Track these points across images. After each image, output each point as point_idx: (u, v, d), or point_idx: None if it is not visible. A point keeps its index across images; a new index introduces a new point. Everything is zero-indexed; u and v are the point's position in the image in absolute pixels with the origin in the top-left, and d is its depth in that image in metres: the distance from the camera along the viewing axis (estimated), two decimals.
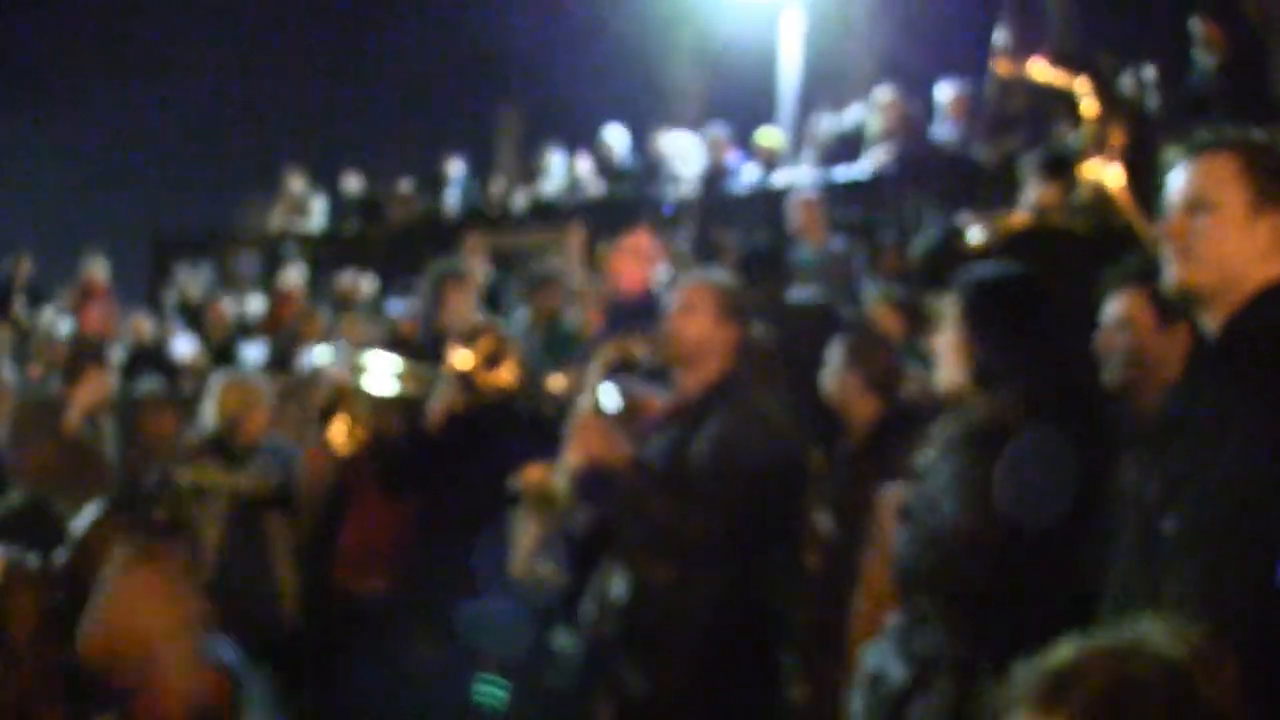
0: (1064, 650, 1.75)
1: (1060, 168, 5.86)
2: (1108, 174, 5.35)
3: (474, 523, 5.47)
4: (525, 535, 4.72)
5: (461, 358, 5.88)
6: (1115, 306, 3.68)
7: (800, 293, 7.43)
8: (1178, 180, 2.87)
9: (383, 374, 6.23)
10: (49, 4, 18.47)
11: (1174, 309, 3.49)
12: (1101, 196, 5.34)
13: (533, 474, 4.65)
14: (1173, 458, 2.76)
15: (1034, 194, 5.91)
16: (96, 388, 6.99)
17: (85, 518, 3.51)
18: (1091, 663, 1.71)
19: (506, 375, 5.81)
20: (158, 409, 7.23)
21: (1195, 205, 2.81)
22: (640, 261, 7.04)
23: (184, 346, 9.37)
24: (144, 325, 11.08)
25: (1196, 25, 9.31)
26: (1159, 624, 1.77)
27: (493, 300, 8.93)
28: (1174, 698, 1.67)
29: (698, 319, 4.58)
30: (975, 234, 5.61)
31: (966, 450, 3.38)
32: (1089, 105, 5.59)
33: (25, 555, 3.45)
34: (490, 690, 3.90)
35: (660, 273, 7.12)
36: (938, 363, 3.65)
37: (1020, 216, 5.80)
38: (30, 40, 18.27)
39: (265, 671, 3.41)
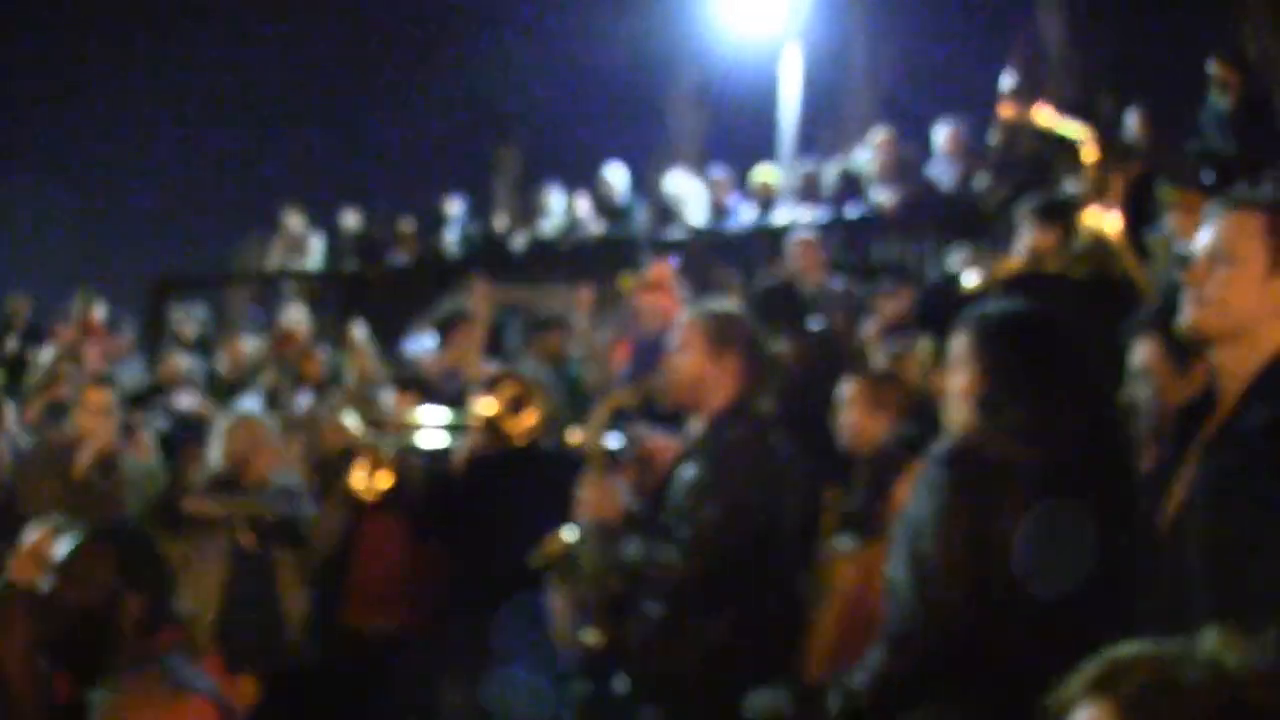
0: (1123, 647, 1.76)
1: (1056, 213, 5.89)
2: (1106, 221, 5.40)
3: (499, 568, 5.49)
4: (560, 604, 4.73)
5: (485, 404, 5.91)
6: (1136, 356, 3.71)
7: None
8: (1207, 231, 2.98)
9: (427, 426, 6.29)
10: (49, 41, 18.52)
11: (1187, 353, 3.54)
12: (1100, 244, 5.38)
13: (552, 545, 4.69)
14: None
15: (1029, 239, 5.93)
16: (106, 431, 6.99)
17: (67, 544, 3.48)
18: (1147, 659, 1.72)
19: (530, 420, 5.83)
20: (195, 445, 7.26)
21: (1218, 256, 2.92)
22: (664, 295, 7.06)
23: (187, 400, 9.34)
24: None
25: (1214, 67, 9.38)
26: (1219, 634, 1.79)
27: (496, 344, 8.94)
28: (1223, 701, 1.67)
29: (691, 355, 4.57)
30: (971, 278, 5.64)
31: (945, 479, 3.32)
32: (1089, 152, 5.63)
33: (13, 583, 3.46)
34: None
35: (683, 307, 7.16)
36: (949, 405, 3.61)
37: (1016, 261, 5.83)
38: (29, 79, 18.33)
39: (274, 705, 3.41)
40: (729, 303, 5.18)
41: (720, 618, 4.32)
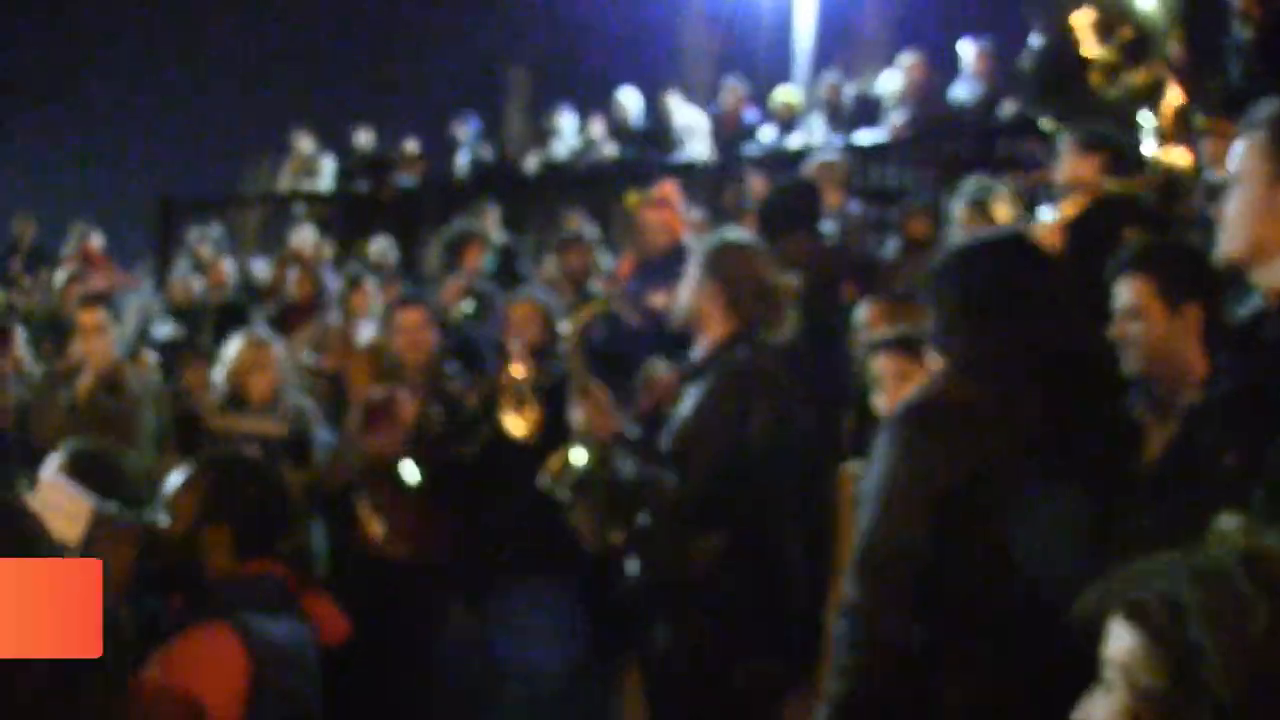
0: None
1: (1098, 142, 5.74)
2: (1177, 156, 5.24)
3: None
4: (580, 515, 4.68)
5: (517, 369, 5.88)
6: (1123, 294, 3.56)
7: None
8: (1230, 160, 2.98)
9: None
10: None
11: (1182, 291, 3.43)
12: (1173, 179, 5.21)
13: (552, 463, 4.65)
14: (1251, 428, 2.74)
15: (1069, 167, 5.83)
16: (104, 350, 6.92)
17: (175, 480, 3.47)
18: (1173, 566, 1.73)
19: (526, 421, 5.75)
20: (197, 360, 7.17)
21: (1234, 181, 2.93)
22: (669, 214, 7.08)
23: (164, 330, 9.31)
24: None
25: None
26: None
27: (509, 265, 8.85)
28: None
29: (693, 285, 4.64)
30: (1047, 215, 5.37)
31: (897, 434, 3.27)
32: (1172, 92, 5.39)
33: (115, 509, 3.39)
34: None
35: (689, 225, 7.15)
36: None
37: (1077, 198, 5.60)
38: (37, 6, 18.18)
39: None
40: (739, 233, 5.16)
41: (716, 536, 4.34)
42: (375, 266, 10.40)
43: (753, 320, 4.58)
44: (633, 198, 8.33)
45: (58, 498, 3.36)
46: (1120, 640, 1.73)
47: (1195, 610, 1.66)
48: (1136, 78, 4.79)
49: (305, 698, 3.35)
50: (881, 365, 4.45)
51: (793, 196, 6.95)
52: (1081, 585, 1.83)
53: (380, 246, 11.12)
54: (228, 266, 11.36)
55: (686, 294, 4.67)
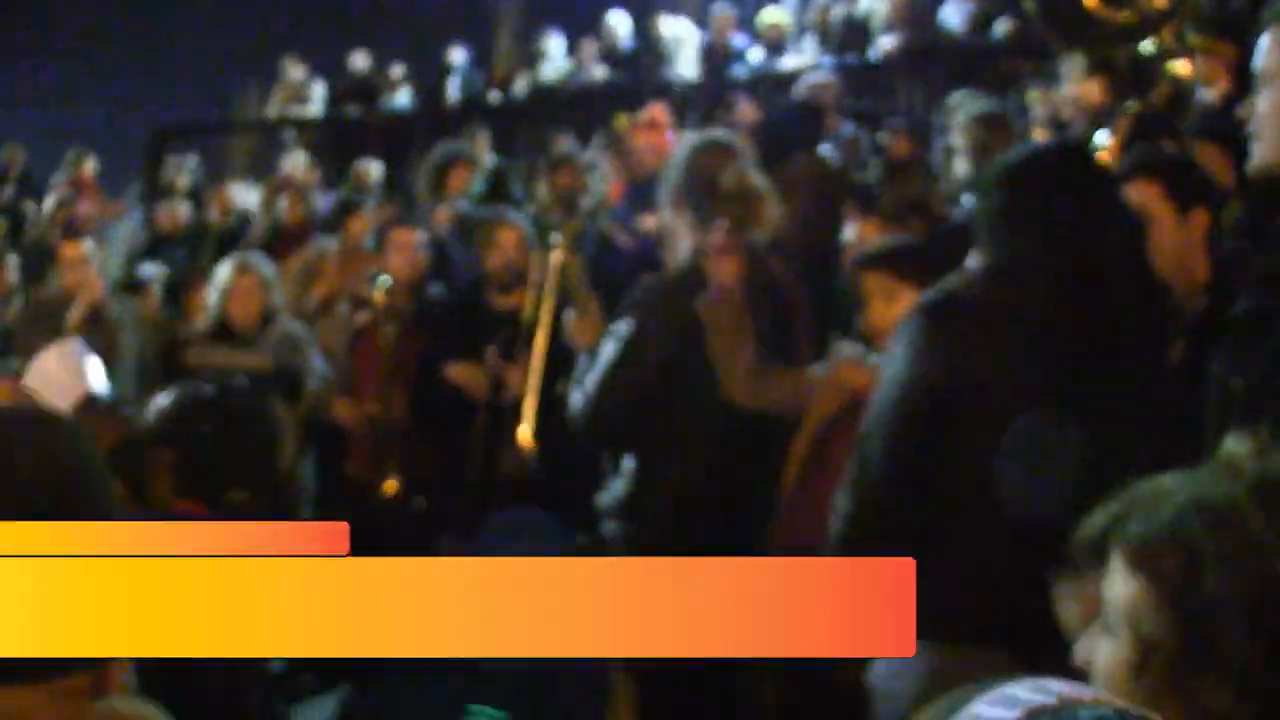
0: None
1: (1104, 63, 5.73)
2: (1180, 68, 5.20)
3: None
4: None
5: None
6: (1132, 198, 3.49)
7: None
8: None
9: None
10: None
11: (1190, 196, 3.41)
12: (1178, 91, 5.19)
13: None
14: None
15: (1077, 87, 5.84)
16: (91, 286, 6.91)
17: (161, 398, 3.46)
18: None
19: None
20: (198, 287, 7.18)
21: (1262, 81, 2.67)
22: (658, 135, 7.09)
23: (148, 270, 9.30)
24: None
25: None
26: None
27: (500, 188, 8.84)
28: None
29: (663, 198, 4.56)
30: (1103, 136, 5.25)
31: (918, 325, 3.14)
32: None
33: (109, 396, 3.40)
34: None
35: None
36: None
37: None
38: None
39: None
40: (721, 134, 5.08)
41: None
42: (361, 189, 10.42)
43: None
44: (622, 121, 8.32)
45: (59, 369, 3.37)
46: (1125, 584, 1.60)
47: (1209, 559, 1.53)
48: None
49: None
50: (868, 283, 4.31)
51: (795, 119, 6.90)
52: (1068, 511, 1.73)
53: (367, 169, 11.11)
54: (233, 193, 11.30)
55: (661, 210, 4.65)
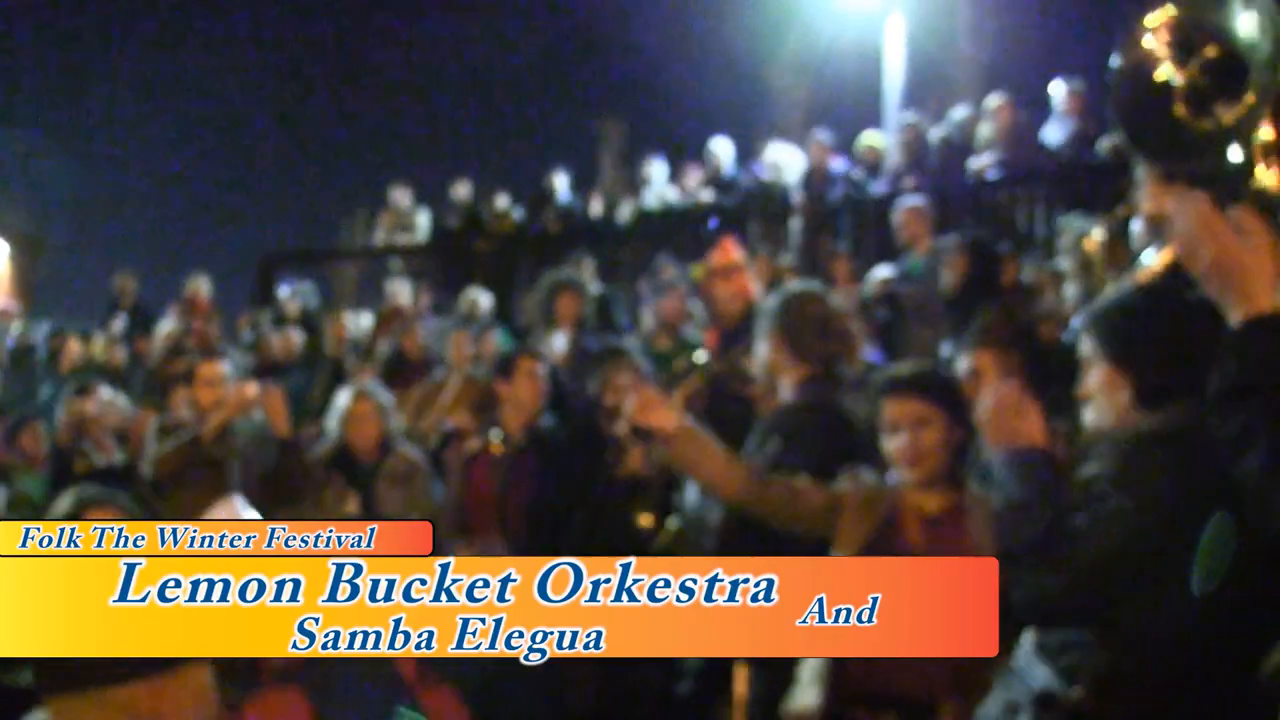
0: None
1: (1181, 175, 5.68)
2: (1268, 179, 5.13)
3: None
4: None
5: None
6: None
7: None
8: None
9: None
10: (159, 29, 18.78)
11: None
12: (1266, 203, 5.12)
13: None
14: None
15: (1152, 201, 5.77)
16: (228, 405, 6.94)
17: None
18: None
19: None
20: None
21: None
22: (737, 280, 7.03)
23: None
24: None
25: None
26: None
27: (605, 315, 8.91)
28: None
29: (763, 341, 4.93)
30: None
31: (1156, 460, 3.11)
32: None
33: None
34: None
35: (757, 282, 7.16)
36: (1089, 406, 3.39)
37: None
38: (135, 62, 18.60)
39: None
40: (801, 285, 5.29)
41: None
42: (467, 318, 10.49)
43: (827, 363, 4.82)
44: (698, 270, 8.24)
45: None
46: None
47: None
48: (1228, 112, 4.64)
49: None
50: (895, 411, 4.09)
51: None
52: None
53: (473, 297, 11.20)
54: (347, 321, 11.41)
55: (761, 350, 4.92)
